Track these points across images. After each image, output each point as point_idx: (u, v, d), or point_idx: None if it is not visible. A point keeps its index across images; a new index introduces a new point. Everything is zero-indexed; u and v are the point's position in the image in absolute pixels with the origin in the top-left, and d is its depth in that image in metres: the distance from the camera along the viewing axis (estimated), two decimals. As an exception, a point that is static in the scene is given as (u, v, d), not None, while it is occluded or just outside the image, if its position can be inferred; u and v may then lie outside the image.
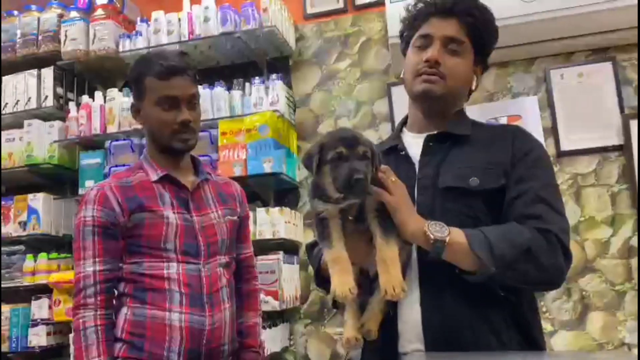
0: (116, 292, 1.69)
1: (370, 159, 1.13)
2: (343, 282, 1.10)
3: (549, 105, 2.88)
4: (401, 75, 1.45)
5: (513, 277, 1.15)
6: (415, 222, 1.16)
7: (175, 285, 1.62)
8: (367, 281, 1.23)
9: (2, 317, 3.14)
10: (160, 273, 1.63)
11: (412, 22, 1.39)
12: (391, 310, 1.24)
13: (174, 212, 1.67)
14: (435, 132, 1.36)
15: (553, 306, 2.69)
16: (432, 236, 1.13)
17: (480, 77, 1.42)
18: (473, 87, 1.40)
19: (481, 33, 1.36)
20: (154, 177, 1.70)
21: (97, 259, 1.62)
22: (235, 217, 1.83)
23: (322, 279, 1.32)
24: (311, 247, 1.48)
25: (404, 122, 1.48)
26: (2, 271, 3.22)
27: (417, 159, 1.33)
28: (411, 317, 1.22)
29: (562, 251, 1.18)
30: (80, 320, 1.59)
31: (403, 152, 1.37)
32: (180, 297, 1.62)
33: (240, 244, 1.90)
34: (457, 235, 1.15)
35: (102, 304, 1.61)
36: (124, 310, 1.65)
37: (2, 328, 3.13)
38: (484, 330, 1.17)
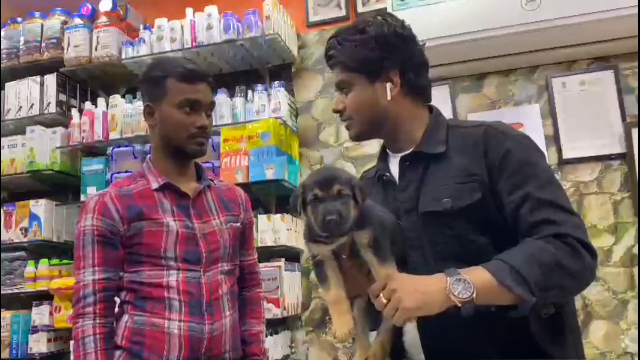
0: (118, 300, 1.68)
1: (352, 194, 1.13)
2: (342, 324, 1.11)
3: (550, 113, 2.88)
4: None
5: (553, 296, 1.10)
6: (436, 299, 1.05)
7: (174, 294, 1.61)
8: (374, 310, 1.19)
9: (3, 324, 3.13)
10: (159, 282, 1.62)
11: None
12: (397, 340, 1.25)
13: (174, 220, 1.66)
14: (407, 152, 1.31)
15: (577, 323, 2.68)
16: (458, 301, 1.04)
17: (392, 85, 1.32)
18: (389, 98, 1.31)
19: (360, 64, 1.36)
20: (154, 185, 1.69)
21: (96, 268, 1.61)
22: (238, 224, 1.81)
23: None
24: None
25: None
26: (4, 277, 3.22)
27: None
28: (416, 339, 1.23)
29: (585, 250, 1.11)
30: (80, 329, 1.58)
31: (385, 177, 1.36)
32: (180, 305, 1.61)
33: (244, 251, 1.88)
34: (481, 278, 1.06)
35: (101, 312, 1.60)
36: (125, 317, 1.64)
37: (3, 335, 3.12)
38: (485, 345, 1.16)
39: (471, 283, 1.04)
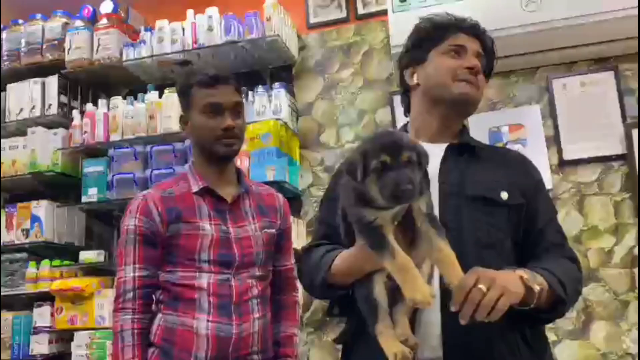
0: (154, 298, 1.76)
1: (417, 161, 1.08)
2: (421, 288, 1.04)
3: (551, 114, 2.88)
4: (415, 81, 1.47)
5: (568, 309, 1.29)
6: (520, 291, 1.14)
7: (204, 295, 1.68)
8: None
9: (4, 325, 3.13)
10: (191, 283, 1.69)
11: (437, 32, 1.44)
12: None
13: (210, 224, 1.72)
14: (456, 142, 1.41)
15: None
16: (536, 290, 1.15)
17: None
18: None
19: (490, 58, 1.49)
20: (194, 188, 1.76)
21: (136, 265, 1.70)
22: (273, 230, 1.85)
23: (328, 287, 1.31)
24: (307, 250, 1.45)
25: (405, 131, 1.49)
26: (5, 279, 3.23)
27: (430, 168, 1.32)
28: (429, 328, 1.22)
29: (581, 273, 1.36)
30: (119, 323, 1.67)
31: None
32: (209, 306, 1.67)
33: (280, 256, 1.91)
34: (539, 280, 1.19)
35: (139, 308, 1.68)
36: (159, 316, 1.72)
37: (4, 336, 3.12)
38: (500, 345, 1.19)
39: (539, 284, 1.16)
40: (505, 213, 1.28)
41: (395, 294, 1.15)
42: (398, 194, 1.04)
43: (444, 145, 1.38)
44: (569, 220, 2.74)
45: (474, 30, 1.43)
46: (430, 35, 1.45)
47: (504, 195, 1.28)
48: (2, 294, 3.19)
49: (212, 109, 1.73)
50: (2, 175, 3.31)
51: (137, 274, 1.69)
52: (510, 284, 1.09)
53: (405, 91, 1.52)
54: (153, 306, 1.75)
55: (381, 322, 1.16)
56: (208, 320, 1.66)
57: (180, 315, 1.68)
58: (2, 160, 3.33)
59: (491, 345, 1.18)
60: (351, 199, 1.15)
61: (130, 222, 1.72)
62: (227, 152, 1.76)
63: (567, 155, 2.83)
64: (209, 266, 1.69)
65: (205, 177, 1.78)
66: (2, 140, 3.37)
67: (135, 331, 1.66)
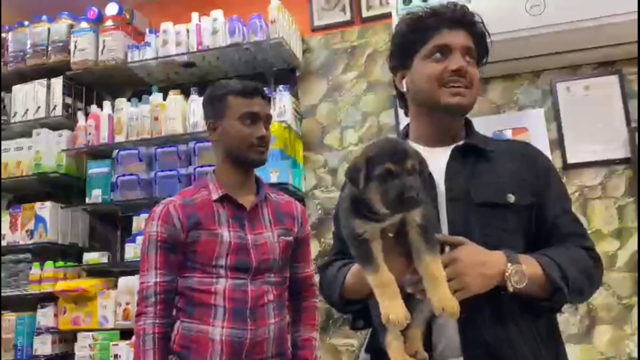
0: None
1: (419, 170, 1.07)
2: (396, 307, 1.04)
3: (555, 117, 2.88)
4: (405, 87, 1.40)
5: (573, 297, 1.20)
6: (491, 283, 1.12)
7: (220, 300, 1.72)
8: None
9: (8, 325, 3.15)
10: (208, 288, 1.74)
11: (418, 36, 1.34)
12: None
13: (229, 231, 1.77)
14: (461, 143, 1.34)
15: (560, 319, 2.64)
16: (512, 289, 1.12)
17: None
18: None
19: (483, 43, 1.37)
20: (214, 196, 1.82)
21: (158, 271, 1.75)
22: (290, 238, 1.89)
23: (346, 302, 1.30)
24: (324, 267, 1.44)
25: (406, 135, 1.43)
26: (9, 279, 3.24)
27: (435, 173, 1.29)
28: (447, 331, 1.20)
29: (600, 264, 1.28)
30: (141, 327, 1.72)
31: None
32: (224, 311, 1.72)
33: (298, 264, 1.96)
34: (533, 269, 1.14)
35: (160, 312, 1.73)
36: (177, 323, 1.76)
37: (8, 336, 3.14)
38: (521, 346, 1.17)
39: (526, 275, 1.11)
40: (515, 215, 1.24)
41: (407, 307, 1.13)
42: (402, 202, 1.02)
43: (448, 149, 1.33)
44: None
45: (454, 21, 1.32)
46: (411, 39, 1.36)
47: (511, 198, 1.23)
48: (7, 294, 3.20)
49: (249, 118, 1.81)
50: (7, 176, 3.33)
51: (158, 280, 1.74)
52: (476, 279, 1.09)
53: (401, 94, 1.46)
54: (174, 312, 1.80)
55: (390, 335, 1.16)
56: (223, 327, 1.70)
57: (196, 322, 1.73)
58: (7, 162, 3.35)
59: (513, 348, 1.16)
60: (346, 210, 1.13)
61: (152, 228, 1.77)
62: (259, 159, 1.84)
63: (571, 159, 2.82)
64: (226, 272, 1.74)
65: (226, 184, 1.84)
66: (8, 142, 3.40)
67: (157, 335, 1.71)
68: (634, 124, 2.75)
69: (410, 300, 1.10)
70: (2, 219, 3.29)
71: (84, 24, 3.37)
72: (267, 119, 1.87)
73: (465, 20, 1.34)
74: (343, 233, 1.19)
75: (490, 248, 1.15)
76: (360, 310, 1.30)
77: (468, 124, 1.41)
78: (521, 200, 1.24)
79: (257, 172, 2.84)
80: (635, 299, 2.64)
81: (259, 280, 1.78)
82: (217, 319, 1.71)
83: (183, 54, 3.14)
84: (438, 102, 1.30)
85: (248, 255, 1.76)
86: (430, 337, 1.20)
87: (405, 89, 1.40)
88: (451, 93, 1.29)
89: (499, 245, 1.18)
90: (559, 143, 2.85)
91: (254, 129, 1.81)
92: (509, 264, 1.12)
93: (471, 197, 1.23)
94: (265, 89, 3.00)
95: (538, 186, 1.28)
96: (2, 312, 3.20)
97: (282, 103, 3.00)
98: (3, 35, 3.54)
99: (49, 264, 3.18)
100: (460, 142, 1.34)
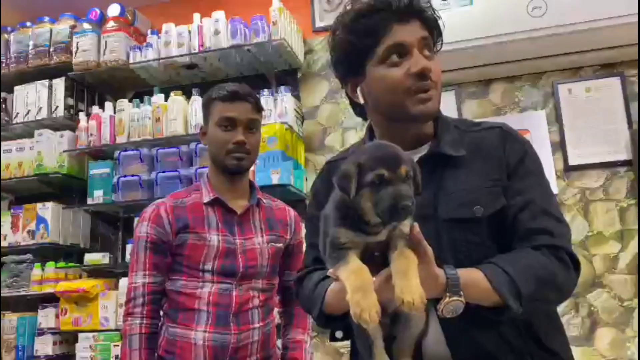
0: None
1: (413, 177, 1.00)
2: (368, 302, 0.92)
3: (557, 119, 2.88)
4: (361, 99, 1.24)
5: (537, 306, 1.10)
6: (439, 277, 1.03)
7: (204, 305, 1.72)
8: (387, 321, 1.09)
9: (9, 326, 3.15)
10: (193, 292, 1.73)
11: (365, 41, 1.17)
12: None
13: (217, 235, 1.77)
14: (425, 153, 1.19)
15: (563, 320, 2.67)
16: (441, 315, 1.03)
17: None
18: None
19: (437, 29, 1.22)
20: (205, 199, 1.81)
21: (146, 272, 1.75)
22: (280, 245, 1.88)
23: (327, 318, 1.18)
24: (300, 280, 1.31)
25: (371, 140, 1.28)
26: (10, 280, 3.24)
27: None
28: (438, 348, 1.13)
29: (573, 265, 1.12)
30: (128, 327, 1.72)
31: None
32: (207, 316, 1.72)
33: (290, 271, 1.94)
34: (476, 281, 1.04)
35: (148, 313, 1.73)
36: (163, 328, 1.77)
37: (9, 337, 3.14)
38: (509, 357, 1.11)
39: (462, 304, 1.01)
40: (485, 227, 1.13)
41: (391, 328, 1.08)
42: (396, 211, 0.94)
43: (417, 154, 1.19)
44: (574, 226, 2.73)
45: (405, 12, 1.15)
46: (359, 44, 1.17)
47: (479, 210, 1.11)
48: (8, 295, 3.20)
49: (226, 123, 1.79)
50: (9, 177, 3.33)
51: (147, 281, 1.74)
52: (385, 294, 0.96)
53: (356, 104, 1.29)
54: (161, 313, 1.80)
55: (375, 348, 1.08)
56: (205, 331, 1.70)
57: (180, 327, 1.73)
58: (9, 162, 3.36)
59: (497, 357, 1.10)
60: (332, 217, 1.04)
61: (142, 229, 1.77)
62: (236, 166, 1.80)
63: (573, 161, 2.82)
64: (212, 276, 1.74)
65: (218, 188, 1.83)
66: (10, 142, 3.41)
67: (143, 336, 1.71)
68: (636, 126, 2.75)
69: (396, 321, 1.05)
70: (3, 220, 3.29)
71: (86, 25, 3.38)
72: (250, 123, 1.81)
73: (415, 8, 1.16)
74: (320, 240, 1.11)
75: (461, 263, 1.07)
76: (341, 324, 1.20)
77: (436, 132, 1.23)
78: (490, 209, 1.12)
79: (258, 173, 2.85)
80: (637, 301, 2.63)
81: (245, 286, 1.77)
82: (200, 323, 1.71)
83: (185, 55, 3.14)
84: (406, 114, 1.16)
85: (235, 260, 1.76)
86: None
87: (362, 101, 1.24)
88: (419, 101, 1.15)
89: (470, 259, 1.10)
90: (560, 145, 2.85)
91: (232, 134, 1.78)
92: (447, 295, 1.01)
93: (438, 213, 1.13)
94: (266, 90, 3.06)
95: (509, 181, 1.15)
96: (3, 312, 3.21)
97: (283, 104, 3.00)
98: (5, 36, 3.55)
99: (50, 264, 3.18)
100: (426, 151, 1.20)
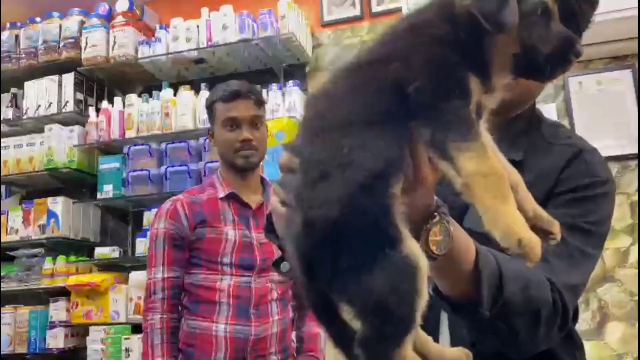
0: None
1: None
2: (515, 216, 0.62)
3: (567, 113, 2.86)
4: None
5: (498, 327, 0.83)
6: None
7: (225, 298, 1.76)
8: None
9: (21, 319, 3.19)
10: (213, 285, 1.77)
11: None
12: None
13: (234, 229, 1.81)
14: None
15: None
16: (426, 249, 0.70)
17: None
18: None
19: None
20: (221, 194, 1.85)
21: (165, 267, 1.79)
22: None
23: None
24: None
25: None
26: (22, 273, 3.28)
27: None
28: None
29: (560, 320, 0.90)
30: (149, 322, 1.75)
31: None
32: (228, 308, 1.75)
33: None
34: (466, 243, 0.77)
35: (168, 308, 1.77)
36: (183, 321, 1.80)
37: (21, 330, 3.17)
38: None
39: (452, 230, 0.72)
40: None
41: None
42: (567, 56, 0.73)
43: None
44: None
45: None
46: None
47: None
48: (20, 288, 3.25)
49: (230, 123, 1.83)
50: (19, 172, 3.36)
51: (166, 275, 1.78)
52: None
53: None
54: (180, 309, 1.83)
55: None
56: (227, 323, 1.74)
57: (200, 319, 1.76)
58: (19, 157, 3.38)
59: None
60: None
61: (159, 225, 1.81)
62: (245, 164, 1.85)
63: (583, 154, 2.80)
64: (231, 269, 1.77)
65: (231, 184, 1.86)
66: (20, 137, 3.43)
67: (164, 330, 1.74)
68: (647, 119, 2.72)
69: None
70: (14, 214, 3.32)
71: (94, 20, 3.39)
72: (253, 120, 1.86)
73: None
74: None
75: None
76: None
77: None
78: None
79: (267, 168, 2.85)
80: (648, 295, 2.62)
81: (263, 278, 1.81)
82: (221, 315, 1.74)
83: (193, 49, 3.14)
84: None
85: (253, 253, 1.80)
86: None
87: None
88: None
89: None
90: (570, 138, 2.83)
91: (237, 134, 1.83)
92: (435, 216, 0.70)
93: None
94: (275, 84, 3.05)
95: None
96: (15, 306, 3.25)
97: (291, 98, 3.00)
98: (15, 32, 3.56)
99: (61, 258, 3.21)
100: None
